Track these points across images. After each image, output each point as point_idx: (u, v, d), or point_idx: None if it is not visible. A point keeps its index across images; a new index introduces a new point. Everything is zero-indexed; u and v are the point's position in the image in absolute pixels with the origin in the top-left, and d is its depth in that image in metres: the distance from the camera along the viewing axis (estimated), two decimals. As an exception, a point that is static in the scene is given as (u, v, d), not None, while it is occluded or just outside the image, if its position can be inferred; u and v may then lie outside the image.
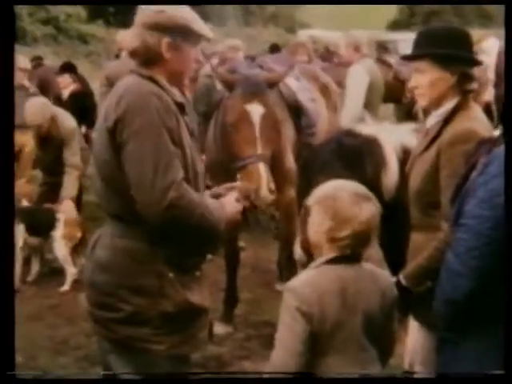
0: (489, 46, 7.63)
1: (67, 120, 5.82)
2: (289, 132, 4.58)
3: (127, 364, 2.22)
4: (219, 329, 4.39)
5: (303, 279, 2.09)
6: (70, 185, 5.59)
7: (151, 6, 2.27)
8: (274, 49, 7.96)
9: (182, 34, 2.24)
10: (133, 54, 2.28)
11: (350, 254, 2.10)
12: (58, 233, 5.41)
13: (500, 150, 1.86)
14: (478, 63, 2.63)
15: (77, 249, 5.47)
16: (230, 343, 4.29)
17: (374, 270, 2.18)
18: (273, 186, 3.70)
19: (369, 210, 2.08)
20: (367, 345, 2.10)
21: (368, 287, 2.10)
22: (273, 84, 4.10)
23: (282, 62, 4.92)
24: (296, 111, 4.72)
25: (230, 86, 4.00)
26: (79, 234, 5.47)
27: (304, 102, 4.78)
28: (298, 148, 4.62)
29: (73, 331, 4.45)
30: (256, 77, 4.05)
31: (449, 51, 2.53)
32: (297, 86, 4.83)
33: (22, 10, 18.01)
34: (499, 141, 1.95)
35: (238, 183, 2.78)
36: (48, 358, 4.14)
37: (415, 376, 2.53)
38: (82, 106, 7.28)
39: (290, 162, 4.48)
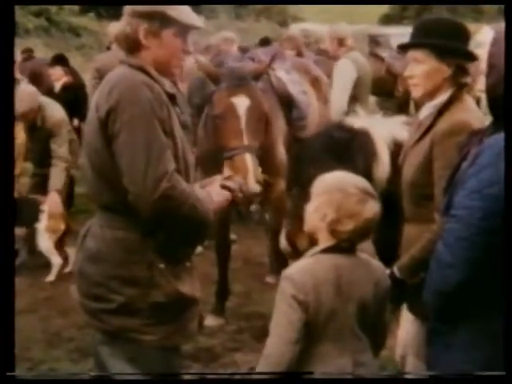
0: (483, 38, 7.61)
1: (55, 111, 5.77)
2: (280, 124, 4.57)
3: (119, 355, 2.22)
4: (211, 321, 4.40)
5: (300, 267, 2.10)
6: (56, 177, 5.56)
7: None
8: (265, 42, 7.92)
9: (159, 20, 2.23)
10: (116, 42, 2.30)
11: (347, 245, 2.12)
12: (42, 225, 5.40)
13: (490, 140, 1.86)
14: (474, 58, 2.62)
15: (61, 241, 5.47)
16: (221, 335, 4.31)
17: (369, 259, 2.20)
18: (260, 176, 3.69)
19: (373, 209, 2.10)
20: (360, 334, 2.12)
21: (362, 276, 2.12)
22: (258, 75, 4.07)
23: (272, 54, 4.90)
24: (287, 104, 4.71)
25: (215, 79, 4.00)
26: (62, 227, 5.46)
27: (295, 94, 4.77)
28: (289, 140, 4.62)
29: (65, 323, 4.44)
30: (240, 69, 4.03)
31: (448, 43, 2.54)
32: (287, 78, 4.82)
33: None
34: (489, 131, 1.96)
35: (225, 175, 2.77)
36: (41, 350, 4.13)
37: (414, 376, 2.53)
38: (74, 98, 7.26)
39: (282, 154, 4.47)
